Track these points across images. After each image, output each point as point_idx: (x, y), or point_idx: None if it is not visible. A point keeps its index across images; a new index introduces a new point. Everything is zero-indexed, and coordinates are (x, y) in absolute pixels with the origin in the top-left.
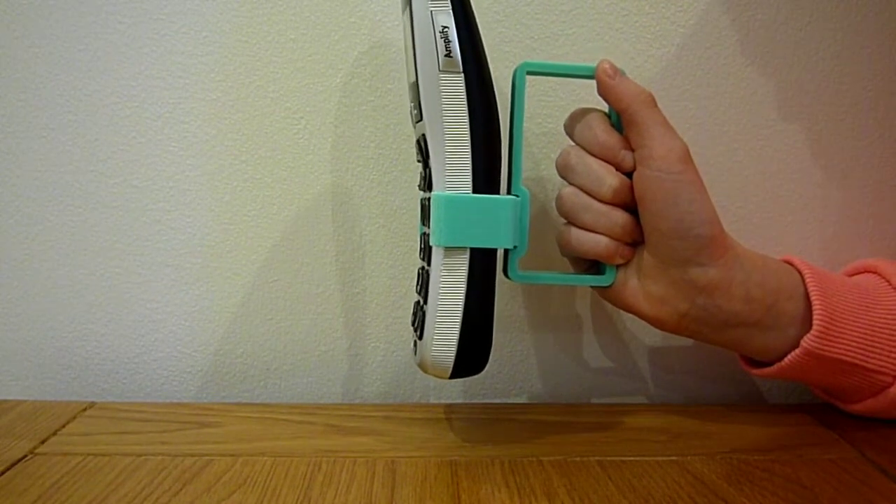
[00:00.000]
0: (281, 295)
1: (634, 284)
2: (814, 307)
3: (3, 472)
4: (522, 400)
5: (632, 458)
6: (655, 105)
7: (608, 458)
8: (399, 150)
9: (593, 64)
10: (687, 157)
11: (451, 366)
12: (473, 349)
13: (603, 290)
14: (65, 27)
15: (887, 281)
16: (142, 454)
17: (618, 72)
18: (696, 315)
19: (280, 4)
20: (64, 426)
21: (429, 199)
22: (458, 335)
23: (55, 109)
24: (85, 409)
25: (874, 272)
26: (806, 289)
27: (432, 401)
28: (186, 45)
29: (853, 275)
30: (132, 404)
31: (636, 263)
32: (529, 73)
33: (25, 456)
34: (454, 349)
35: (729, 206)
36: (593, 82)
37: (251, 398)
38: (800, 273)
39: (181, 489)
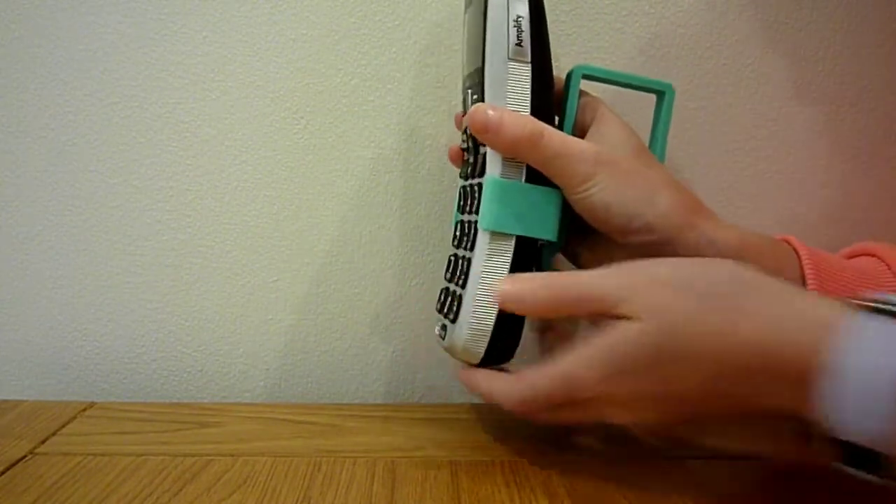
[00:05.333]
0: (281, 295)
1: None
2: (808, 289)
3: (3, 472)
4: None
5: (632, 459)
6: (541, 138)
7: (608, 459)
8: (399, 150)
9: (652, 77)
10: (596, 161)
11: (483, 351)
12: (506, 337)
13: None
14: (65, 27)
15: (887, 265)
16: (142, 454)
17: (491, 122)
18: None
19: (280, 4)
20: (64, 426)
21: (471, 186)
22: (494, 322)
23: (55, 109)
24: (85, 409)
25: (873, 255)
26: (802, 269)
27: (432, 401)
28: (186, 45)
29: (852, 257)
30: (132, 404)
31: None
32: (585, 76)
33: (25, 456)
34: (488, 335)
35: (727, 205)
36: (647, 95)
37: (251, 398)
38: (796, 252)
39: (181, 489)
